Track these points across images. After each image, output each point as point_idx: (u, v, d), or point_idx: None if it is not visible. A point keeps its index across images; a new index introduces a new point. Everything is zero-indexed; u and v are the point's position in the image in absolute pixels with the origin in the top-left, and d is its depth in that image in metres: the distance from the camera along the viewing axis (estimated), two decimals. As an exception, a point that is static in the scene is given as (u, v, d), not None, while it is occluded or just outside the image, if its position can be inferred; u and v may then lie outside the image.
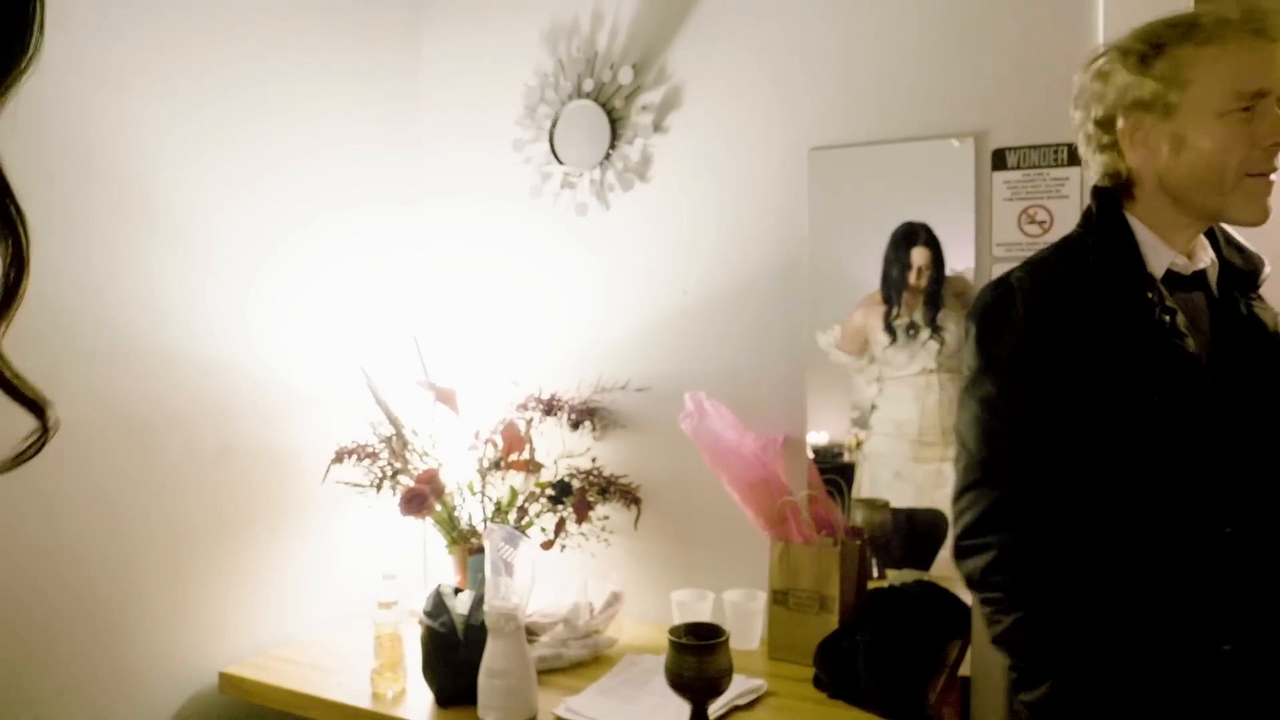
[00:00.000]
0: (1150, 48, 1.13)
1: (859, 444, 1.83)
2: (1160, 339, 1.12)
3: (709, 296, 1.93)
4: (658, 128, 1.97)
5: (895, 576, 1.77)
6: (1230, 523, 1.10)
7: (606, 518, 1.95)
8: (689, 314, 1.95)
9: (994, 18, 1.67)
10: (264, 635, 1.86)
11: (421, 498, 1.74)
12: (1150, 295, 1.13)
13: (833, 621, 1.68)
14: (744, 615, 1.79)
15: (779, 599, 1.74)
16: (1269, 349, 1.21)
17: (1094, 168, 1.23)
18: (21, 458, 0.55)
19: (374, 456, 1.91)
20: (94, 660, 1.61)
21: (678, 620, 1.78)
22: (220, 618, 1.80)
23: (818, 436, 1.84)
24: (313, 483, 1.92)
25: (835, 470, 1.82)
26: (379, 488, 1.88)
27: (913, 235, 1.75)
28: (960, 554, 1.18)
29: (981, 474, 1.17)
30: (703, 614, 1.79)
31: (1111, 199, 1.20)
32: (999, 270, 1.42)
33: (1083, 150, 1.24)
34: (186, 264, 1.74)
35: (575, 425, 1.99)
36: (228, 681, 1.74)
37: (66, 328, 1.57)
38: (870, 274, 1.78)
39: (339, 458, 1.90)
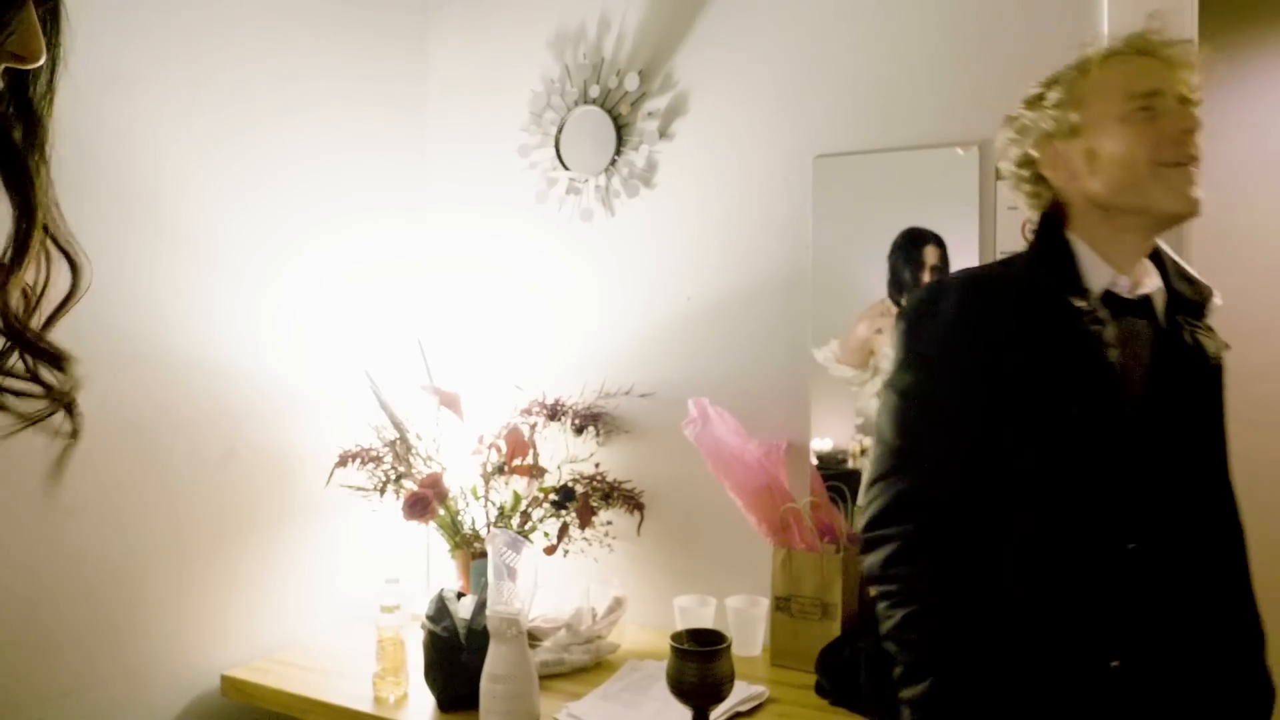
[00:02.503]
0: (1046, 87, 1.22)
1: (863, 450, 1.83)
2: (1085, 350, 1.13)
3: (713, 303, 1.93)
4: (663, 134, 1.97)
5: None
6: (1134, 539, 1.11)
7: (610, 523, 1.95)
8: (693, 320, 1.95)
9: (999, 27, 1.67)
10: (267, 638, 1.86)
11: (425, 502, 1.74)
12: (1081, 304, 1.14)
13: (835, 629, 1.68)
14: (746, 621, 1.79)
15: (781, 605, 1.74)
16: (1204, 376, 1.22)
17: (1027, 207, 1.28)
18: (57, 404, 0.59)
19: (378, 460, 1.91)
20: (97, 662, 1.62)
21: (680, 626, 1.78)
22: (223, 620, 1.80)
23: (822, 443, 1.84)
24: (316, 486, 1.93)
25: (839, 477, 1.82)
26: (382, 492, 1.88)
27: (920, 236, 1.76)
28: (864, 547, 1.19)
29: (894, 463, 1.18)
30: (705, 620, 1.79)
31: (1053, 220, 1.23)
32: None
33: (1014, 195, 1.29)
34: (192, 268, 1.75)
35: (579, 431, 1.99)
36: (230, 684, 1.74)
37: (72, 331, 1.56)
38: (874, 283, 1.79)
39: (343, 461, 1.90)
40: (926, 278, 1.75)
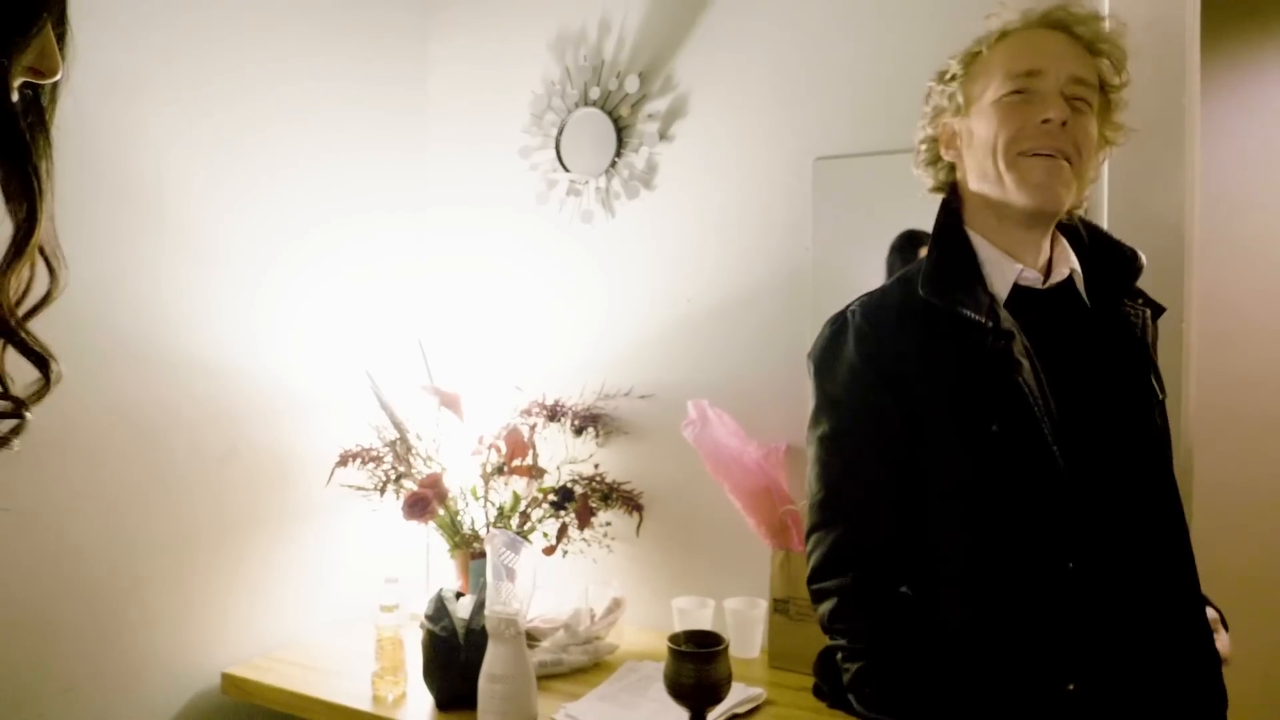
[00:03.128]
0: (958, 62, 1.17)
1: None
2: (994, 367, 1.07)
3: (713, 304, 1.94)
4: (663, 136, 1.98)
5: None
6: (1073, 558, 1.04)
7: (609, 524, 1.96)
8: (693, 322, 1.96)
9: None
10: (267, 637, 1.87)
11: (424, 502, 1.75)
12: (984, 321, 1.08)
13: (833, 630, 1.67)
14: (745, 623, 1.79)
15: (780, 608, 1.74)
16: (1135, 360, 1.15)
17: (923, 182, 1.24)
18: (35, 398, 0.61)
19: (378, 461, 1.92)
20: (98, 659, 1.62)
21: (678, 627, 1.79)
22: (223, 619, 1.81)
23: None
24: (317, 486, 1.94)
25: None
26: (382, 491, 1.89)
27: (917, 238, 1.76)
28: (812, 598, 1.15)
29: (823, 514, 1.14)
30: (703, 622, 1.79)
31: (953, 216, 1.17)
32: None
33: (915, 170, 1.25)
34: (194, 268, 1.76)
35: (579, 431, 1.99)
36: (230, 682, 1.74)
37: (74, 330, 1.58)
38: (876, 284, 1.78)
39: (343, 461, 1.91)
40: None
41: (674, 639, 1.38)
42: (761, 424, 1.85)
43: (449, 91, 2.25)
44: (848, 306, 1.18)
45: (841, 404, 1.14)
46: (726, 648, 1.37)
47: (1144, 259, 1.21)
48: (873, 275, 1.78)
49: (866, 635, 1.09)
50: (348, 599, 2.00)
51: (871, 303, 1.17)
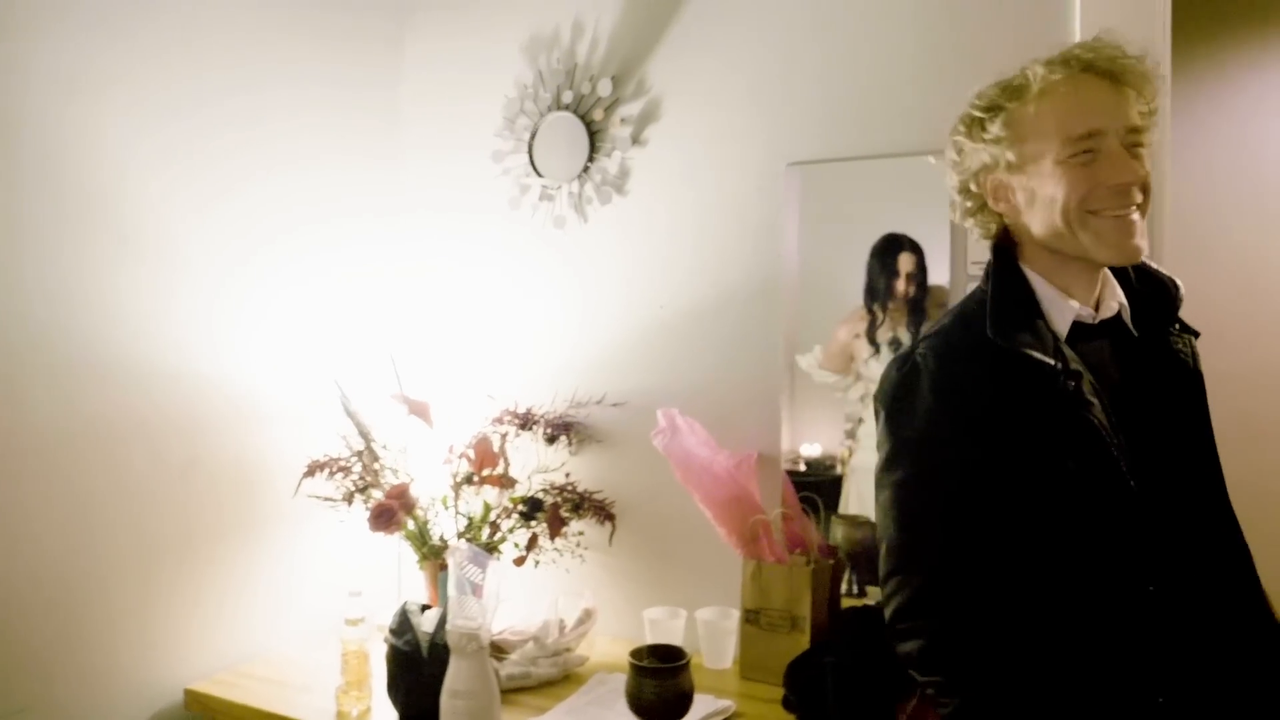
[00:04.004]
0: (987, 113, 1.15)
1: (851, 454, 1.81)
2: (1068, 406, 1.09)
3: (685, 311, 1.91)
4: (636, 140, 1.95)
5: (877, 594, 1.74)
6: (1153, 581, 1.09)
7: (581, 533, 1.93)
8: (665, 329, 1.93)
9: (971, 36, 1.65)
10: (232, 651, 1.84)
11: (390, 513, 1.72)
12: (1053, 363, 1.09)
13: (804, 642, 1.65)
14: (717, 634, 1.77)
15: (751, 618, 1.72)
16: (1187, 387, 1.19)
17: (972, 231, 1.24)
18: None
19: (346, 470, 1.89)
20: (57, 675, 1.59)
21: (650, 639, 1.77)
22: (187, 632, 1.78)
23: (811, 449, 1.83)
24: (285, 496, 1.91)
25: (823, 484, 1.80)
26: (349, 502, 1.86)
27: (897, 243, 1.74)
28: (894, 637, 1.15)
29: (902, 559, 1.14)
30: (675, 632, 1.77)
31: (1007, 256, 1.18)
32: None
33: (956, 218, 1.24)
34: (155, 275, 1.73)
35: (551, 440, 1.97)
36: (193, 698, 1.72)
37: (33, 338, 1.56)
38: (851, 290, 1.77)
39: (310, 471, 1.88)
40: (901, 285, 1.73)
41: (635, 654, 1.35)
42: (733, 432, 1.83)
43: (423, 96, 2.22)
44: (913, 348, 1.17)
45: (919, 448, 1.13)
46: (688, 663, 1.34)
47: (1184, 288, 1.23)
48: (855, 279, 1.76)
49: (963, 673, 1.09)
50: (317, 611, 1.97)
51: (940, 344, 1.16)
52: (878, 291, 1.75)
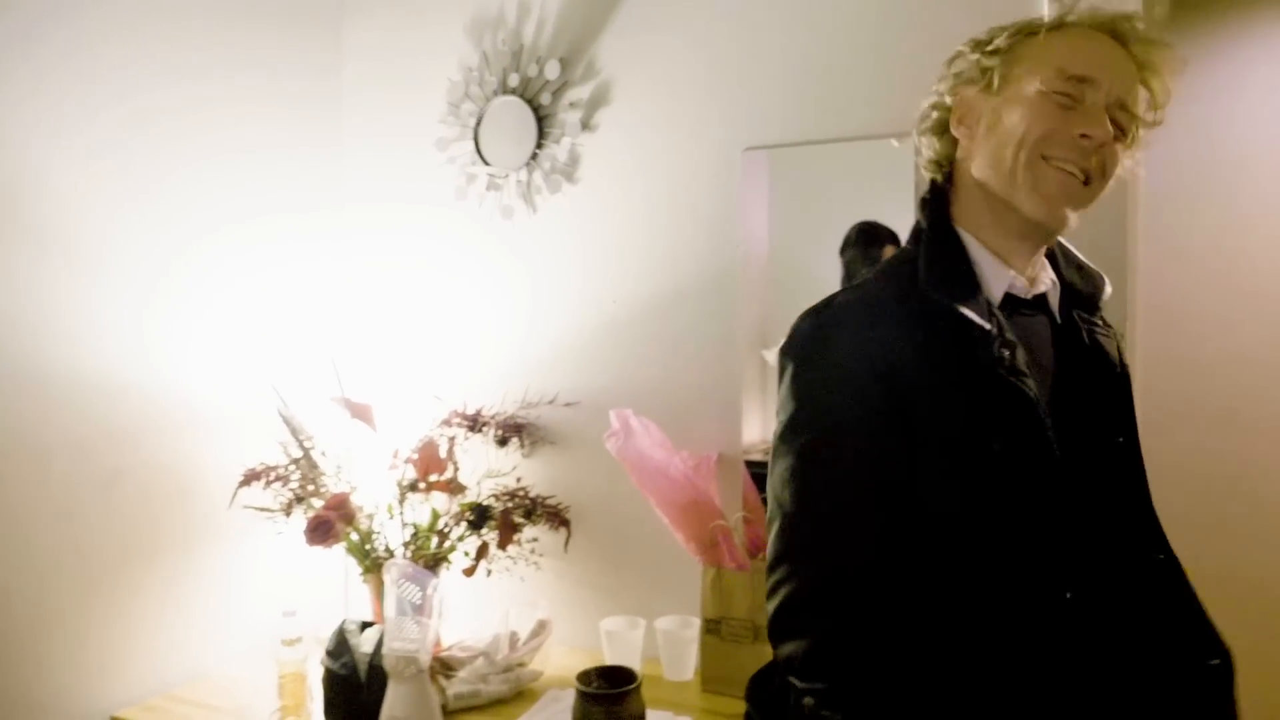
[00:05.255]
0: (999, 32, 1.06)
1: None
2: (998, 377, 0.97)
3: (639, 305, 1.82)
4: (586, 126, 1.85)
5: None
6: (1071, 587, 0.96)
7: (535, 540, 1.84)
8: (619, 324, 1.84)
9: (938, 12, 1.56)
10: (166, 674, 1.74)
11: (328, 526, 1.62)
12: (989, 327, 0.97)
13: (768, 653, 1.55)
14: (677, 644, 1.69)
15: (712, 628, 1.63)
16: (1111, 383, 1.09)
17: (921, 152, 1.12)
18: None
19: (285, 479, 1.79)
20: (-29, 706, 1.49)
21: (607, 652, 1.68)
22: (116, 655, 1.68)
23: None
24: (222, 508, 1.80)
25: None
26: (288, 512, 1.76)
27: (876, 235, 1.66)
28: (776, 634, 0.97)
29: (795, 543, 0.96)
30: (633, 644, 1.68)
31: (941, 212, 1.07)
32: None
33: (915, 138, 1.12)
34: (80, 278, 1.63)
35: (502, 442, 1.88)
36: (121, 726, 1.62)
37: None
38: (823, 279, 1.68)
39: (247, 480, 1.77)
40: None
41: (583, 678, 1.27)
42: (692, 432, 1.74)
43: (364, 82, 2.11)
44: (829, 300, 1.03)
45: (829, 409, 0.97)
46: (638, 687, 1.26)
47: (1110, 286, 1.15)
48: (827, 268, 1.68)
49: (854, 683, 0.94)
50: (257, 629, 1.86)
51: (860, 294, 1.03)
52: None
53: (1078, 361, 1.07)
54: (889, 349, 0.97)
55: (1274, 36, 2.15)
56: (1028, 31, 1.04)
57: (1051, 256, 1.12)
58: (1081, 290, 1.12)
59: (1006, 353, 0.98)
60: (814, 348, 1.00)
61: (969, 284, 1.01)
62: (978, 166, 1.04)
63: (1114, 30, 1.01)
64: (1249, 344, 2.08)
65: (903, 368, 0.96)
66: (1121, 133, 1.02)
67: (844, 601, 0.94)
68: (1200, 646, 1.07)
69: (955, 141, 1.08)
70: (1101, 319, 1.13)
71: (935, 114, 1.10)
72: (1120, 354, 1.13)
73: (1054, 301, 1.09)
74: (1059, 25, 1.03)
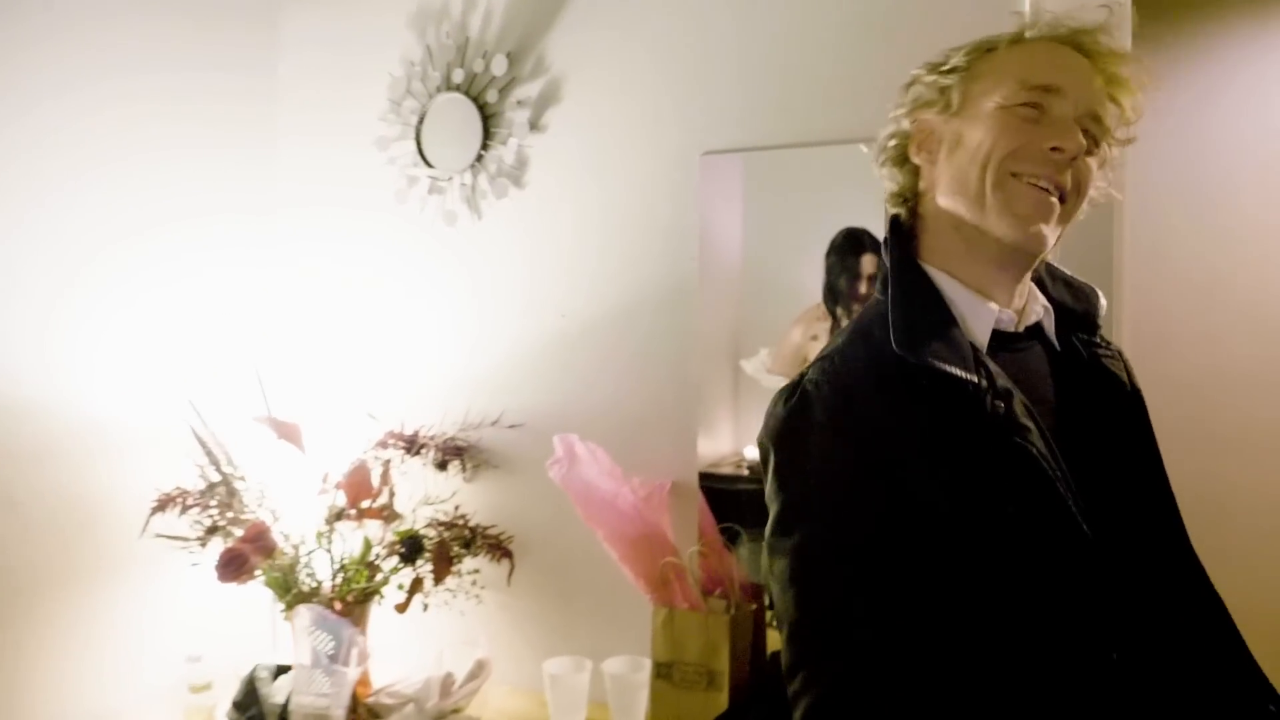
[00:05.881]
0: (955, 52, 0.97)
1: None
2: (999, 433, 0.87)
3: (590, 319, 1.69)
4: (534, 126, 1.72)
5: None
6: (1117, 647, 0.87)
7: (477, 571, 1.70)
8: (569, 339, 1.71)
9: (908, 11, 1.45)
10: (70, 718, 1.59)
11: (240, 560, 1.47)
12: (977, 380, 0.87)
13: (722, 700, 1.45)
14: (626, 689, 1.55)
15: (662, 672, 1.50)
16: (1123, 410, 0.99)
17: (885, 186, 1.02)
18: None
19: (204, 505, 1.64)
20: None
21: (550, 696, 1.55)
22: (11, 699, 1.53)
23: (754, 451, 1.62)
24: (133, 536, 1.65)
25: (738, 515, 1.59)
26: (204, 543, 1.61)
27: (859, 242, 1.54)
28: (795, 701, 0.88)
29: (810, 647, 0.88)
30: (579, 688, 1.55)
31: (905, 252, 0.97)
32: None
33: (875, 169, 1.03)
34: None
35: (441, 466, 1.74)
36: (9, 782, 1.47)
37: None
38: (799, 288, 1.58)
39: (160, 506, 1.63)
40: (864, 288, 1.53)
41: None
42: (643, 457, 1.62)
43: (301, 78, 1.97)
44: (802, 375, 0.92)
45: (815, 501, 0.89)
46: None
47: (1104, 300, 1.04)
48: (804, 276, 1.57)
49: None
50: (174, 669, 1.70)
51: (833, 367, 0.92)
52: (839, 292, 1.55)
53: (1083, 391, 0.97)
54: (871, 423, 0.88)
55: (1248, 47, 2.09)
56: (986, 48, 0.96)
57: (1039, 280, 1.02)
58: (1075, 309, 1.02)
59: (1001, 405, 0.87)
60: (791, 432, 0.91)
61: (945, 334, 0.90)
62: (943, 194, 0.94)
63: (1076, 44, 0.93)
64: (1236, 358, 2.01)
65: (890, 441, 0.87)
66: (1095, 144, 0.93)
67: (867, 703, 0.85)
68: (1255, 693, 0.97)
69: (917, 170, 0.98)
70: (1103, 339, 1.03)
71: (894, 143, 1.00)
72: (1129, 374, 1.02)
73: (1049, 328, 0.99)
74: (1018, 39, 0.95)
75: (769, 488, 0.92)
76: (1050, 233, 0.91)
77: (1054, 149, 0.89)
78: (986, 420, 0.86)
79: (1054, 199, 0.90)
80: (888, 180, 1.01)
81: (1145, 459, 1.00)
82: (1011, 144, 0.89)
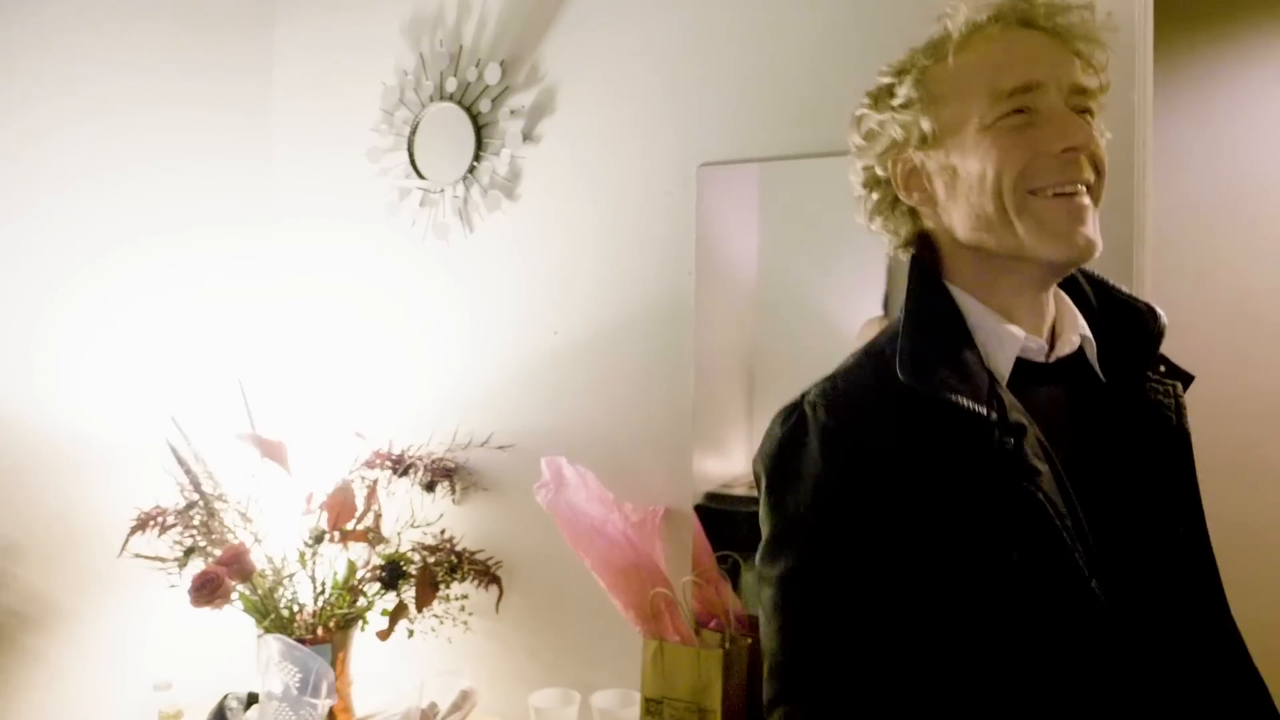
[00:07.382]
0: (896, 77, 0.89)
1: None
2: (1005, 474, 0.79)
3: (585, 337, 1.63)
4: (528, 136, 1.67)
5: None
6: (1141, 714, 0.79)
7: (465, 597, 1.64)
8: (562, 357, 1.65)
9: (908, 18, 1.37)
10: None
11: (215, 584, 1.42)
12: (985, 412, 0.80)
13: (713, 740, 1.38)
14: (615, 725, 1.49)
15: (652, 709, 1.43)
16: (1170, 452, 0.89)
17: (886, 242, 0.95)
18: None
19: (187, 524, 1.59)
20: None
21: (535, 730, 1.49)
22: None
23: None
24: (112, 556, 1.60)
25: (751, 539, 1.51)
26: (182, 564, 1.56)
27: None
28: None
29: (790, 684, 0.82)
30: (566, 723, 1.49)
31: (926, 271, 0.89)
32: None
33: (864, 224, 0.95)
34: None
35: (429, 487, 1.68)
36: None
37: None
38: (819, 303, 1.51)
39: (140, 526, 1.58)
40: None
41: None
42: (636, 481, 1.55)
43: (295, 86, 1.93)
44: (803, 395, 0.87)
45: (806, 530, 0.83)
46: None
47: (1165, 319, 0.93)
48: (824, 292, 1.49)
49: None
50: (147, 694, 1.66)
51: (836, 389, 0.86)
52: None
53: (1124, 430, 0.88)
54: (870, 452, 0.81)
55: (1279, 59, 2.00)
56: (933, 60, 0.87)
57: (1083, 300, 0.93)
58: (1130, 333, 0.92)
59: (1010, 441, 0.79)
60: (786, 456, 0.85)
61: (958, 360, 0.83)
62: (962, 231, 0.86)
63: (1020, 19, 0.84)
64: (1268, 379, 1.92)
65: (887, 469, 0.80)
66: (1092, 116, 0.85)
67: None
68: None
69: (913, 212, 0.90)
70: (1166, 364, 0.94)
71: (874, 194, 0.92)
72: (1179, 412, 0.92)
73: (1091, 357, 0.90)
74: (964, 43, 0.85)
75: (761, 511, 0.87)
76: (1095, 233, 0.83)
77: (1066, 150, 0.81)
78: (993, 456, 0.79)
79: (1084, 199, 0.83)
80: (884, 233, 0.93)
81: (1184, 509, 0.89)
82: (1018, 164, 0.82)
